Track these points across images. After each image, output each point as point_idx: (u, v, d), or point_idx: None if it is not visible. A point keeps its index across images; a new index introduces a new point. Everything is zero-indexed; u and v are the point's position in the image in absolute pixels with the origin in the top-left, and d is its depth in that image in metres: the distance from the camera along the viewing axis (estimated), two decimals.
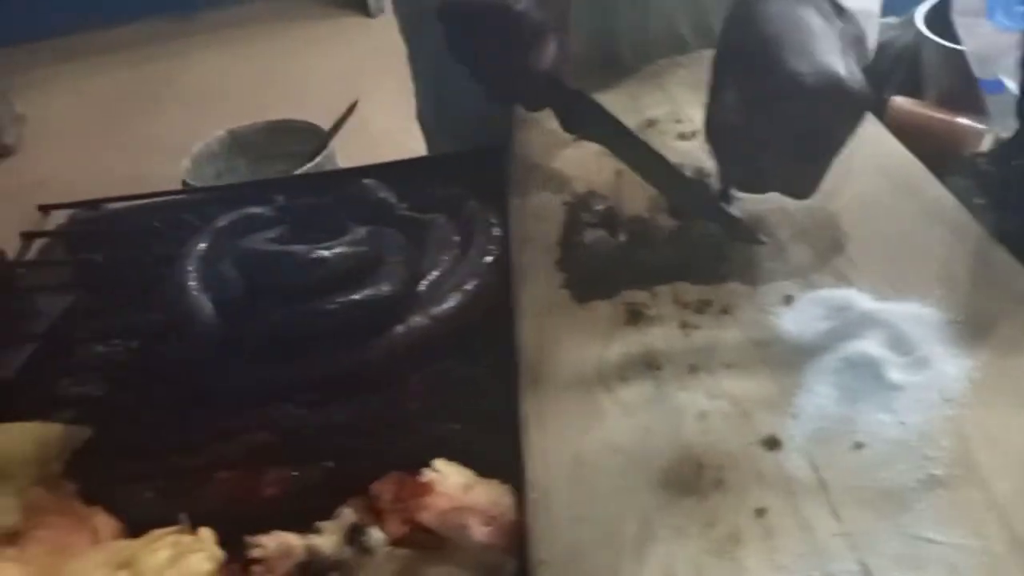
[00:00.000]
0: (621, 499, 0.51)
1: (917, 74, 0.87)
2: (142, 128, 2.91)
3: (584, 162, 0.80)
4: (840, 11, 0.61)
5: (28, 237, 0.94)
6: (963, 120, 0.78)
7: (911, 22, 0.88)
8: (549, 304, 0.66)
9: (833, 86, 0.55)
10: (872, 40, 0.69)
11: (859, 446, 0.51)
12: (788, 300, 0.61)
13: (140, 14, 3.43)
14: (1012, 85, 0.77)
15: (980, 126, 0.77)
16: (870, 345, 0.56)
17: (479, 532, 0.52)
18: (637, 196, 0.74)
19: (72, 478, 0.63)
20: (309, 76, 3.05)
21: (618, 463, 0.53)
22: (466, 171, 0.88)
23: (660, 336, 0.61)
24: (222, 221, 0.83)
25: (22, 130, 3.12)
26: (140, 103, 3.09)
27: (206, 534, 0.58)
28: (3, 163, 2.92)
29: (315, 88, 2.90)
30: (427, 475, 0.56)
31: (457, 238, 0.79)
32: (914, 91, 0.86)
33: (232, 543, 0.58)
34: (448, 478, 0.56)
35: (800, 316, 0.60)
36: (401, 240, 0.77)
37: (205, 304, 0.74)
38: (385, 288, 0.70)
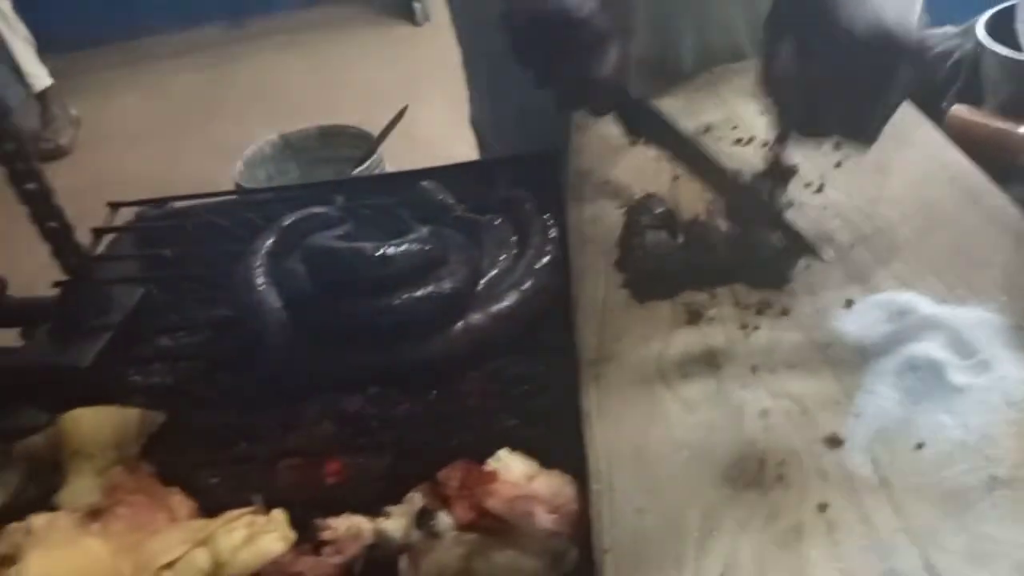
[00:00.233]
0: (684, 492, 0.52)
1: (977, 83, 0.87)
2: (195, 131, 2.99)
3: (641, 167, 0.82)
4: None
5: (98, 233, 0.97)
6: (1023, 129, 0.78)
7: (971, 31, 0.88)
8: (609, 304, 0.68)
9: (883, 36, 0.57)
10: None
11: (921, 446, 0.52)
12: (848, 303, 0.62)
13: (194, 21, 3.52)
14: None
15: None
16: (932, 348, 0.56)
17: (544, 519, 0.53)
18: (694, 201, 0.76)
19: (150, 461, 0.66)
20: (357, 82, 3.10)
21: (681, 457, 0.54)
22: (522, 174, 0.89)
23: (720, 336, 0.62)
24: (288, 219, 0.86)
25: (77, 132, 3.21)
26: (193, 107, 3.17)
27: (279, 515, 0.60)
28: (58, 164, 3.01)
29: (362, 94, 2.96)
30: (492, 464, 0.58)
31: (514, 239, 0.81)
32: (974, 100, 0.86)
33: (301, 525, 0.60)
34: (512, 467, 0.58)
35: (861, 319, 0.60)
36: (461, 240, 0.79)
37: (273, 298, 0.76)
38: (447, 286, 0.72)
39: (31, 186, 0.70)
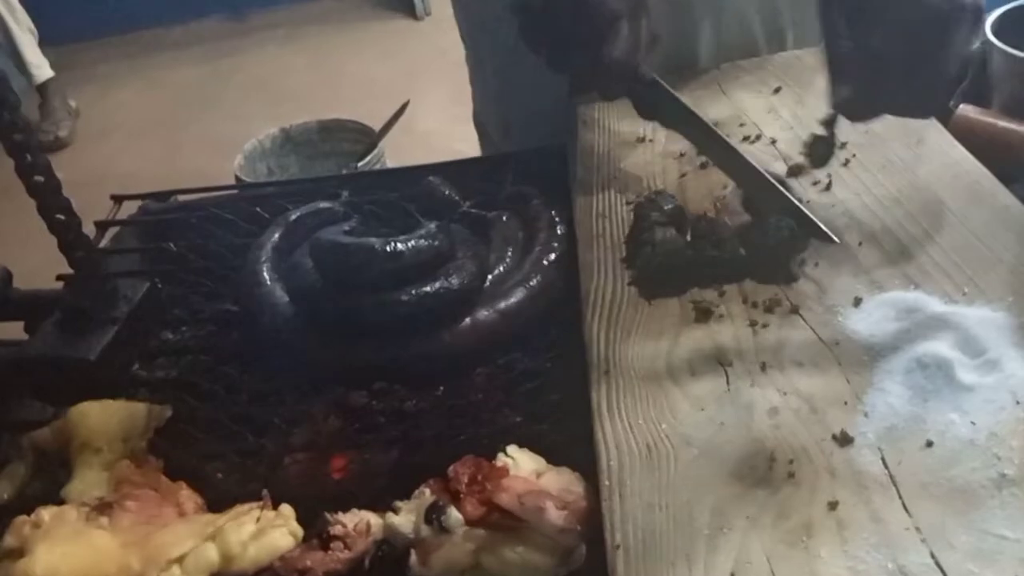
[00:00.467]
0: (694, 489, 0.52)
1: (985, 82, 0.88)
2: (195, 124, 2.98)
3: (649, 163, 0.82)
4: None
5: (102, 226, 0.97)
6: None
7: None
8: (617, 300, 0.68)
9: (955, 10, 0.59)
10: None
11: (930, 444, 0.52)
12: (857, 302, 0.62)
13: (194, 14, 3.51)
14: None
15: None
16: (941, 347, 0.57)
17: (555, 515, 0.53)
18: (702, 198, 0.76)
19: (157, 455, 0.66)
20: (357, 76, 3.10)
21: (691, 454, 0.54)
22: (529, 170, 0.90)
23: (729, 333, 0.62)
24: (294, 214, 0.86)
25: (76, 124, 3.21)
26: (194, 100, 3.17)
27: (287, 510, 0.60)
28: (57, 156, 3.00)
29: (362, 88, 2.96)
30: (502, 459, 0.58)
31: (521, 235, 0.81)
32: (981, 99, 0.86)
33: (309, 521, 0.60)
34: (521, 463, 0.58)
35: (870, 317, 0.61)
36: (468, 236, 0.79)
37: (279, 293, 0.76)
38: (455, 281, 0.72)
39: (39, 179, 0.70)
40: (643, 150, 0.84)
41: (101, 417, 0.68)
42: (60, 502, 0.62)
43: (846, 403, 0.55)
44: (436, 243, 0.72)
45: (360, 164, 1.94)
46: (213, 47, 3.44)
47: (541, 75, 0.78)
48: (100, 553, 0.57)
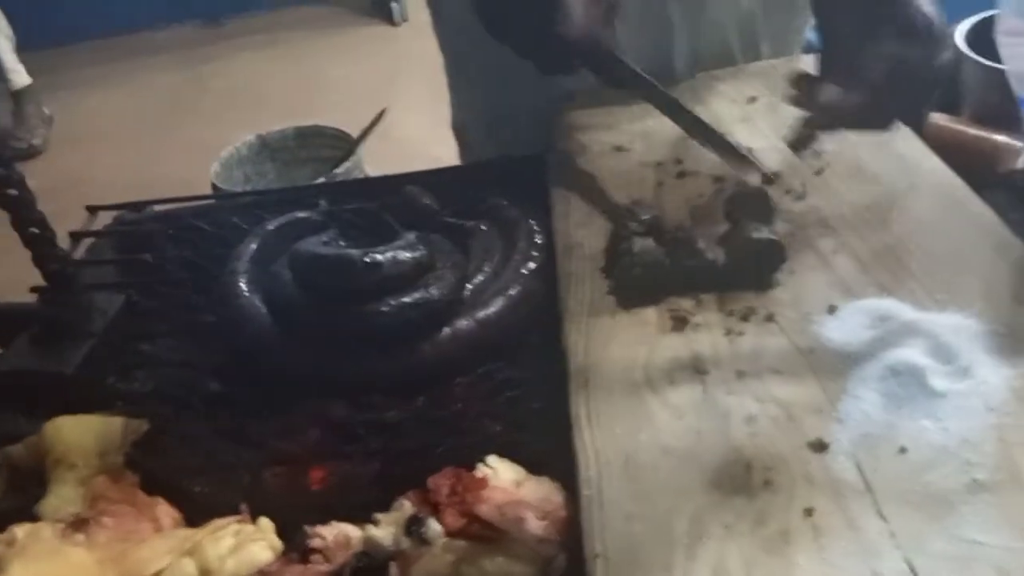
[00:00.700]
0: (673, 497, 0.53)
1: (956, 91, 0.89)
2: (171, 131, 2.96)
3: (627, 173, 0.82)
4: None
5: (77, 237, 0.96)
6: (1000, 137, 0.79)
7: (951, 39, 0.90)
8: (596, 309, 0.68)
9: (940, 26, 0.65)
10: None
11: (903, 451, 0.53)
12: (832, 309, 0.63)
13: (170, 19, 3.49)
14: None
15: (1017, 143, 0.78)
16: (914, 354, 0.57)
17: (535, 525, 0.54)
18: (679, 206, 0.76)
19: (134, 469, 0.66)
20: (334, 82, 3.09)
21: (669, 463, 0.55)
22: (507, 178, 0.90)
23: (706, 342, 0.63)
24: (271, 224, 0.85)
25: (50, 131, 3.17)
26: (170, 107, 3.14)
27: (266, 524, 0.60)
28: (31, 163, 2.97)
29: (340, 94, 2.95)
30: (481, 470, 0.58)
31: (500, 244, 0.81)
32: (953, 108, 0.88)
33: (289, 534, 0.60)
34: (501, 474, 0.58)
35: (844, 325, 0.61)
36: (447, 246, 0.79)
37: (257, 304, 0.76)
38: (435, 292, 0.72)
39: (13, 192, 0.70)
40: (621, 159, 0.85)
41: (76, 432, 0.67)
42: (35, 519, 0.61)
43: (821, 410, 0.56)
44: (415, 254, 0.72)
45: (338, 171, 1.93)
46: (190, 53, 3.42)
47: (522, 82, 0.79)
48: (76, 570, 0.57)
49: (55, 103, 3.21)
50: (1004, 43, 0.69)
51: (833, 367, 0.59)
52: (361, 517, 0.60)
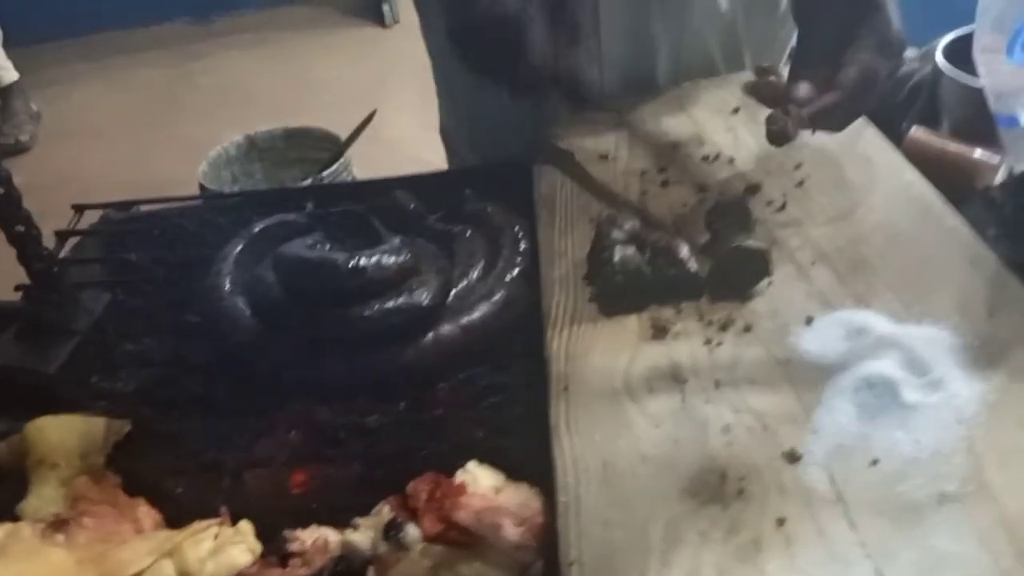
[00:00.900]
0: (649, 505, 0.53)
1: (935, 106, 0.90)
2: (159, 130, 2.95)
3: (611, 181, 0.83)
4: None
5: (62, 235, 0.96)
6: (978, 153, 0.81)
7: (931, 54, 0.91)
8: (578, 316, 0.69)
9: (903, 42, 0.71)
10: None
11: (875, 462, 0.54)
12: (809, 321, 0.64)
13: (159, 16, 3.47)
14: None
15: (995, 159, 0.80)
16: (887, 366, 0.58)
17: (512, 532, 0.54)
18: (662, 215, 0.77)
19: (115, 470, 0.66)
20: (324, 83, 3.09)
21: (646, 471, 0.56)
22: (493, 184, 0.90)
23: (685, 351, 0.64)
24: (257, 226, 0.86)
25: (37, 128, 3.15)
26: (158, 105, 3.13)
27: (246, 527, 0.60)
28: (18, 159, 2.95)
29: (329, 95, 2.95)
30: (460, 476, 0.59)
31: (485, 250, 0.82)
32: (933, 122, 0.89)
33: (268, 537, 0.60)
34: (480, 480, 0.59)
35: (820, 336, 0.62)
36: (433, 251, 0.80)
37: (241, 306, 0.76)
38: (418, 297, 0.72)
39: None
40: (606, 167, 0.86)
41: (58, 432, 0.67)
42: (15, 518, 0.62)
43: (796, 421, 0.57)
44: (400, 259, 0.73)
45: (326, 173, 1.93)
46: (178, 50, 3.40)
47: (503, 91, 0.80)
48: (56, 570, 0.57)
49: (43, 99, 3.19)
50: (981, 60, 0.70)
51: (809, 378, 0.60)
52: (342, 521, 0.61)
